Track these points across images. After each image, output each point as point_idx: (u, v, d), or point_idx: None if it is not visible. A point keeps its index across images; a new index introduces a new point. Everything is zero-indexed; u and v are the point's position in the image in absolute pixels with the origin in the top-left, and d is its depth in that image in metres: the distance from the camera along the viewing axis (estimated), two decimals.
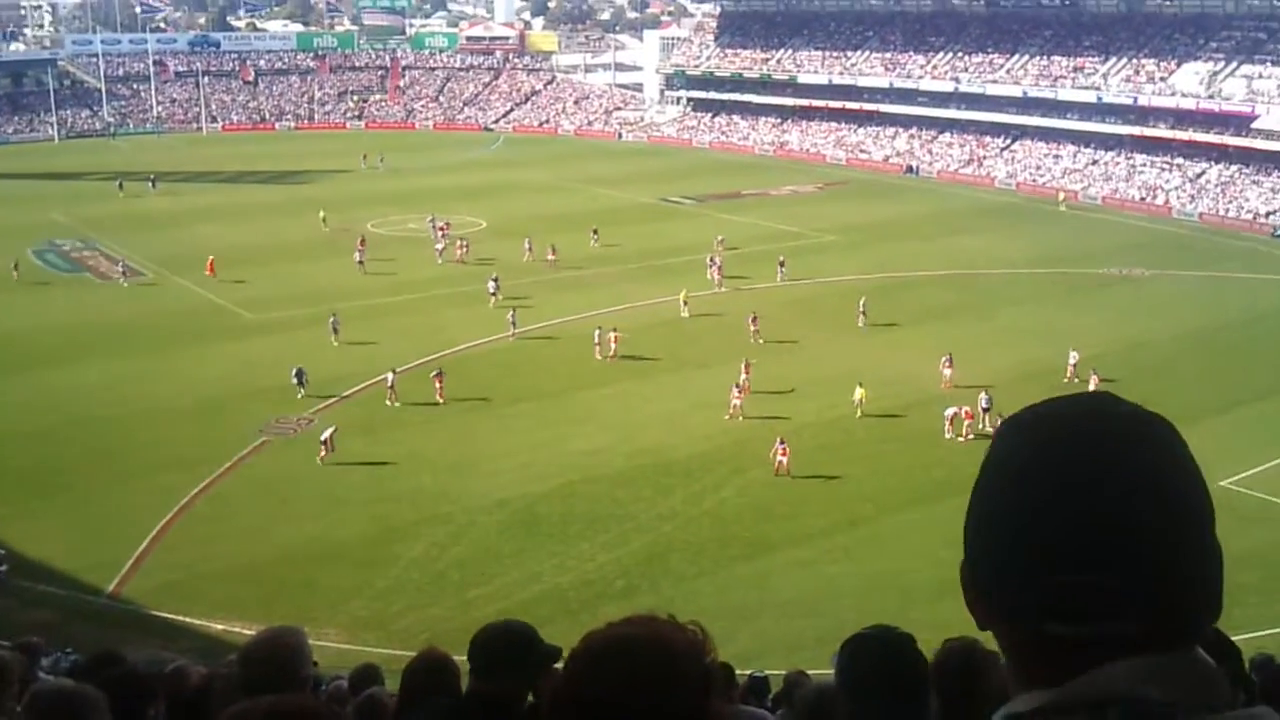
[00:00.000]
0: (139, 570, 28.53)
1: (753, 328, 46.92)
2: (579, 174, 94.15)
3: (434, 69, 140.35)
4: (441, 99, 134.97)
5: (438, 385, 39.63)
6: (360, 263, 59.06)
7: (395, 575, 28.35)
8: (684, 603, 26.76)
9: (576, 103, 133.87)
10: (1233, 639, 3.89)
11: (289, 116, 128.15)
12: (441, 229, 65.87)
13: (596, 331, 45.53)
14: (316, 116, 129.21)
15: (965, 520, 1.50)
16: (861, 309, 49.89)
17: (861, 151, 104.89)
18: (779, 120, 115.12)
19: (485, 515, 31.77)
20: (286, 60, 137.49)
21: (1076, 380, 41.49)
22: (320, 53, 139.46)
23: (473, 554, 29.48)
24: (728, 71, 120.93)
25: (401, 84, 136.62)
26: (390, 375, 39.91)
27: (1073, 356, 42.59)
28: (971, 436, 36.52)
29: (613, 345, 45.00)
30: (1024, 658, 1.44)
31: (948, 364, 41.83)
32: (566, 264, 60.18)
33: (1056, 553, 1.37)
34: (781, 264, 58.46)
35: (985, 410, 37.22)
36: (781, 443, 33.94)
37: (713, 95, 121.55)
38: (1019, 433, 1.46)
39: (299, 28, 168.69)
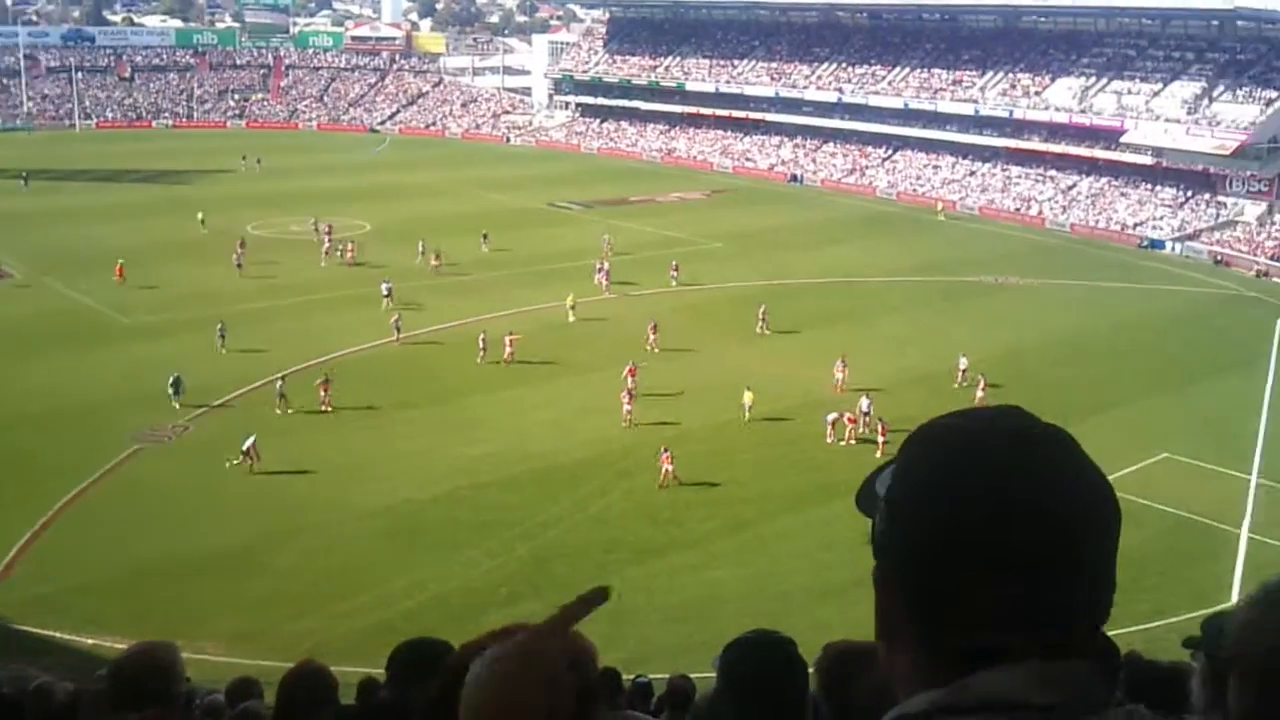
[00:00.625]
0: (3, 584, 27.44)
1: (651, 336, 46.85)
2: (467, 177, 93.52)
3: (318, 69, 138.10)
4: (326, 99, 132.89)
5: (323, 393, 38.92)
6: (239, 265, 57.79)
7: (274, 585, 27.74)
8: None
9: (464, 105, 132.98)
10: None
11: (166, 114, 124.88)
12: (325, 231, 64.84)
13: (481, 336, 45.29)
14: (196, 115, 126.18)
15: (880, 527, 1.51)
16: (762, 315, 50.53)
17: (748, 160, 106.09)
18: (667, 127, 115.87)
19: (368, 523, 31.29)
20: (164, 57, 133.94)
21: (965, 384, 42.64)
22: (200, 49, 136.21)
23: (355, 562, 29.00)
24: (616, 78, 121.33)
25: (285, 83, 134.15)
26: (280, 383, 39.14)
27: (962, 362, 43.87)
28: (853, 441, 37.18)
29: (508, 348, 44.88)
30: (926, 661, 1.45)
31: (842, 366, 42.78)
32: (456, 268, 59.78)
33: (976, 562, 1.38)
34: (675, 269, 59.05)
35: (865, 414, 37.91)
36: (665, 451, 34.07)
37: (601, 101, 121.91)
38: (937, 444, 1.48)
39: (178, 24, 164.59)
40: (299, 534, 30.36)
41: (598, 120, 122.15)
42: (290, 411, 38.49)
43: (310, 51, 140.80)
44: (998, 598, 1.38)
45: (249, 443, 33.98)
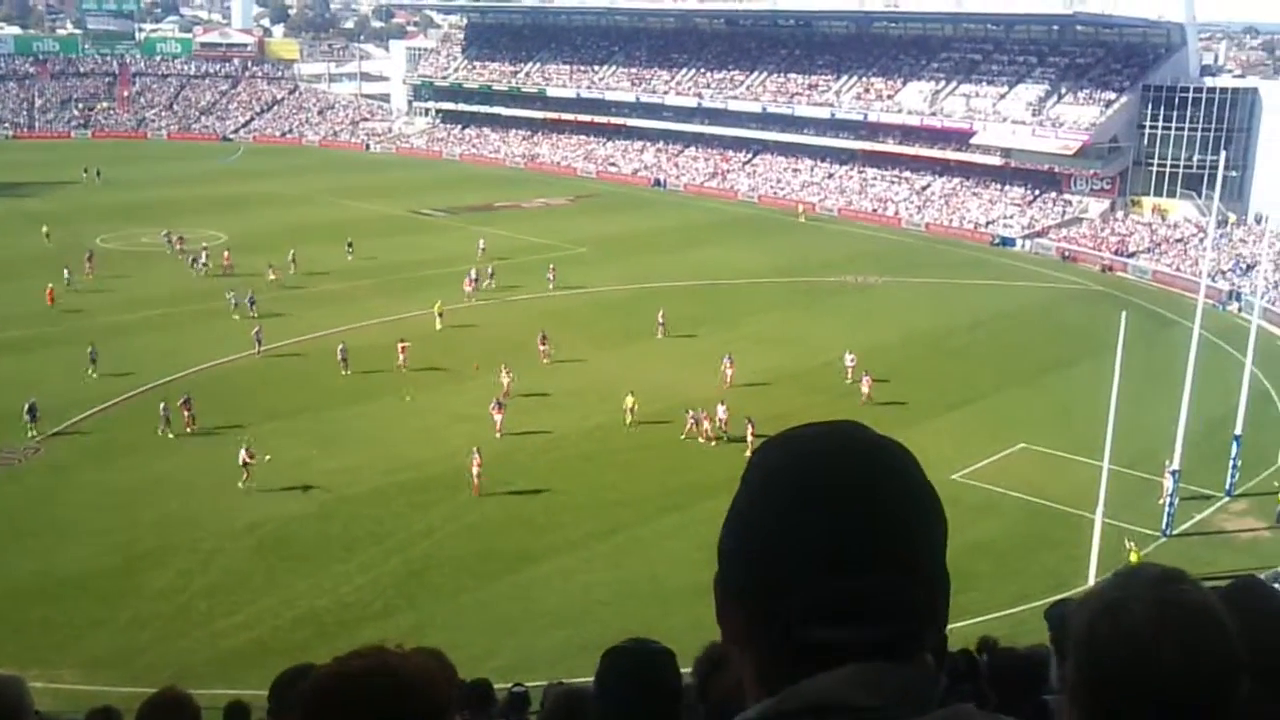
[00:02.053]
0: None
1: (541, 346, 46.58)
2: (327, 185, 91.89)
3: (167, 76, 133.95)
4: (176, 107, 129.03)
5: (186, 413, 37.70)
6: (89, 276, 55.89)
7: (138, 608, 26.81)
8: (444, 620, 26.49)
9: (321, 113, 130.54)
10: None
11: (6, 125, 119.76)
12: (178, 243, 63.02)
13: (340, 348, 44.62)
14: (37, 125, 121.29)
15: (722, 533, 1.53)
16: (660, 319, 51.03)
17: (611, 165, 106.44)
18: (529, 133, 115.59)
19: (236, 541, 30.49)
20: (3, 65, 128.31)
21: (853, 380, 43.89)
22: (41, 57, 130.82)
23: (223, 582, 28.21)
24: (476, 84, 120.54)
25: (132, 91, 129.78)
26: (164, 405, 37.78)
27: (848, 359, 45.10)
28: (713, 441, 37.54)
29: (401, 356, 44.43)
30: (765, 666, 1.48)
31: (729, 364, 43.91)
32: (324, 277, 58.89)
33: (813, 560, 1.42)
34: (552, 274, 59.43)
35: (722, 421, 38.36)
36: (475, 451, 33.74)
37: (462, 107, 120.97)
38: (780, 451, 1.52)
39: (16, 30, 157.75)
40: (168, 554, 29.43)
41: (459, 126, 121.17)
42: (171, 436, 37.14)
43: (158, 59, 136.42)
44: (823, 599, 1.41)
45: (243, 455, 33.24)
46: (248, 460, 33.26)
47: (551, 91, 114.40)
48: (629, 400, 39.41)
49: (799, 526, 1.44)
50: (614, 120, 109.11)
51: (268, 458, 33.60)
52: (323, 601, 27.40)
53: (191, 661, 23.72)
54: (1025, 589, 27.75)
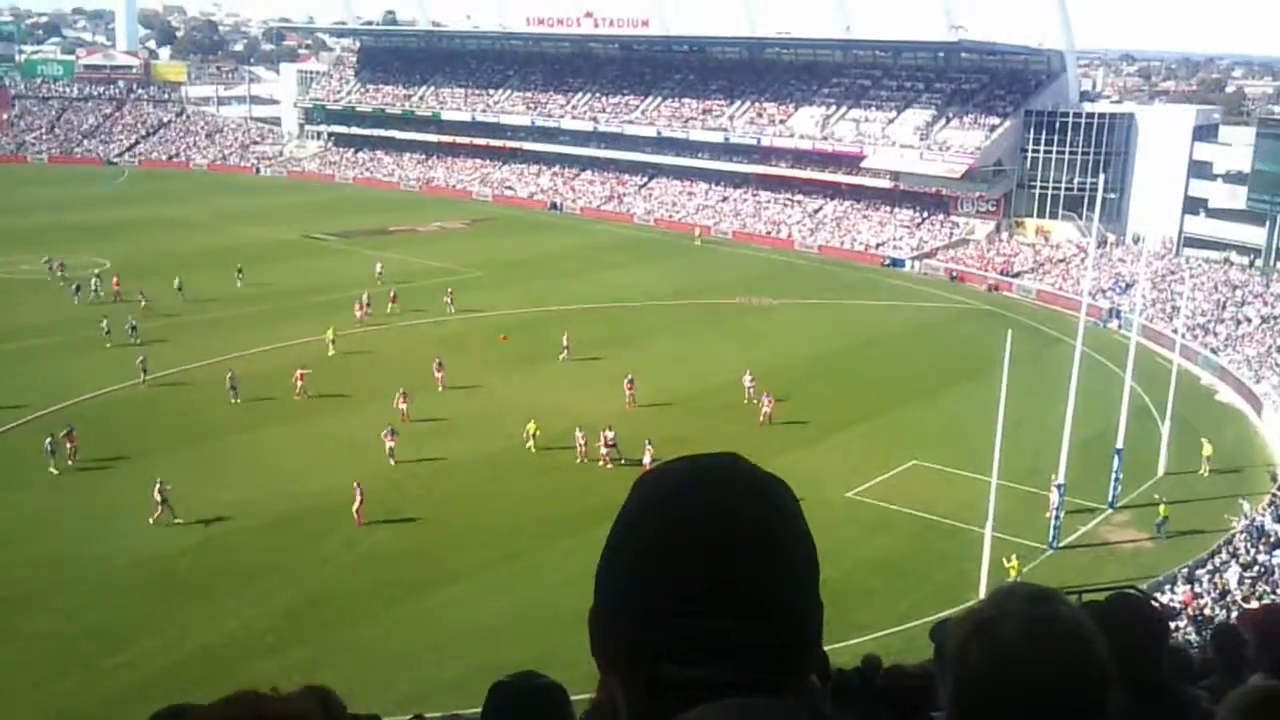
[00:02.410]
0: None
1: (438, 374, 46.06)
2: (217, 210, 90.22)
3: (48, 99, 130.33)
4: (58, 130, 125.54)
5: (69, 445, 36.50)
6: None
7: (19, 649, 25.81)
8: (340, 653, 26.02)
9: (209, 136, 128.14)
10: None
11: None
12: (58, 268, 61.25)
13: (229, 375, 43.75)
14: None
15: (598, 565, 1.56)
16: (564, 343, 50.98)
17: (507, 188, 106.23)
18: (424, 156, 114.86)
19: (122, 577, 29.55)
20: None
21: (752, 400, 44.29)
22: None
23: (108, 620, 27.29)
24: (370, 106, 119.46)
25: (11, 114, 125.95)
26: (49, 439, 36.40)
27: (748, 380, 45.64)
28: (609, 465, 37.56)
29: (299, 384, 43.77)
30: (636, 702, 1.49)
31: (630, 385, 44.39)
32: (212, 304, 57.82)
33: (672, 597, 1.42)
34: (450, 298, 59.06)
35: (611, 444, 38.41)
36: (357, 486, 33.36)
37: (355, 130, 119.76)
38: (651, 487, 1.53)
39: None
40: (49, 594, 28.38)
41: (352, 150, 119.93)
42: (55, 471, 35.87)
43: (39, 81, 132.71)
44: (683, 638, 1.42)
45: (155, 490, 32.32)
46: (160, 498, 32.36)
47: (446, 115, 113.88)
48: (531, 425, 39.28)
49: (660, 566, 1.44)
50: (510, 144, 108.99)
51: (169, 487, 32.74)
52: (213, 637, 26.68)
53: (75, 705, 22.96)
54: (918, 604, 28.20)
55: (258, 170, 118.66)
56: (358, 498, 32.89)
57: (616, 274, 71.26)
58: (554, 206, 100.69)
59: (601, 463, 37.60)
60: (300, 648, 26.27)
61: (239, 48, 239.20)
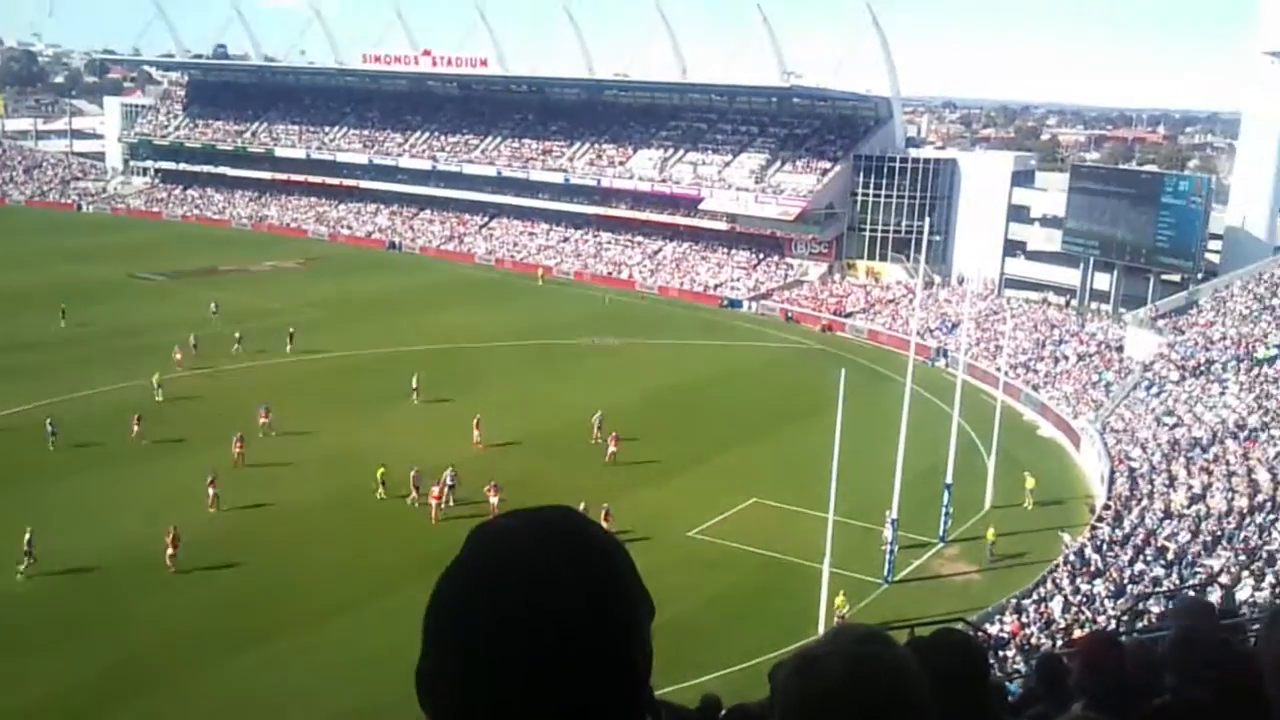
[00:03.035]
0: None
1: (264, 419, 44.74)
2: (35, 248, 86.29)
3: None
4: None
5: None
6: None
7: None
8: (170, 709, 24.92)
9: (27, 171, 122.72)
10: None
11: None
12: None
13: (48, 421, 41.79)
14: None
15: (423, 621, 1.53)
16: (415, 384, 50.40)
17: (344, 227, 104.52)
18: (257, 194, 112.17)
19: None
20: None
21: (599, 440, 44.60)
22: None
23: None
24: (199, 142, 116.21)
25: None
26: None
27: (595, 419, 45.81)
28: (444, 506, 37.01)
29: (135, 428, 42.26)
30: None
31: (478, 425, 44.44)
32: (31, 348, 55.21)
33: (481, 664, 1.42)
34: (290, 338, 58.24)
35: (450, 487, 38.04)
36: (171, 531, 32.32)
37: (184, 167, 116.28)
38: (475, 545, 1.52)
39: None
40: None
41: (181, 187, 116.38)
42: None
43: None
44: (493, 698, 1.42)
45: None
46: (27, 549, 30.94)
47: (280, 152, 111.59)
48: (380, 471, 38.42)
49: (471, 628, 1.44)
50: (346, 182, 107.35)
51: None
52: (28, 699, 25.22)
53: None
54: (759, 642, 28.45)
55: (79, 207, 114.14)
56: (170, 545, 31.76)
57: (461, 314, 70.67)
58: (393, 246, 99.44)
59: (436, 504, 36.93)
60: (130, 700, 25.12)
61: (60, 80, 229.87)
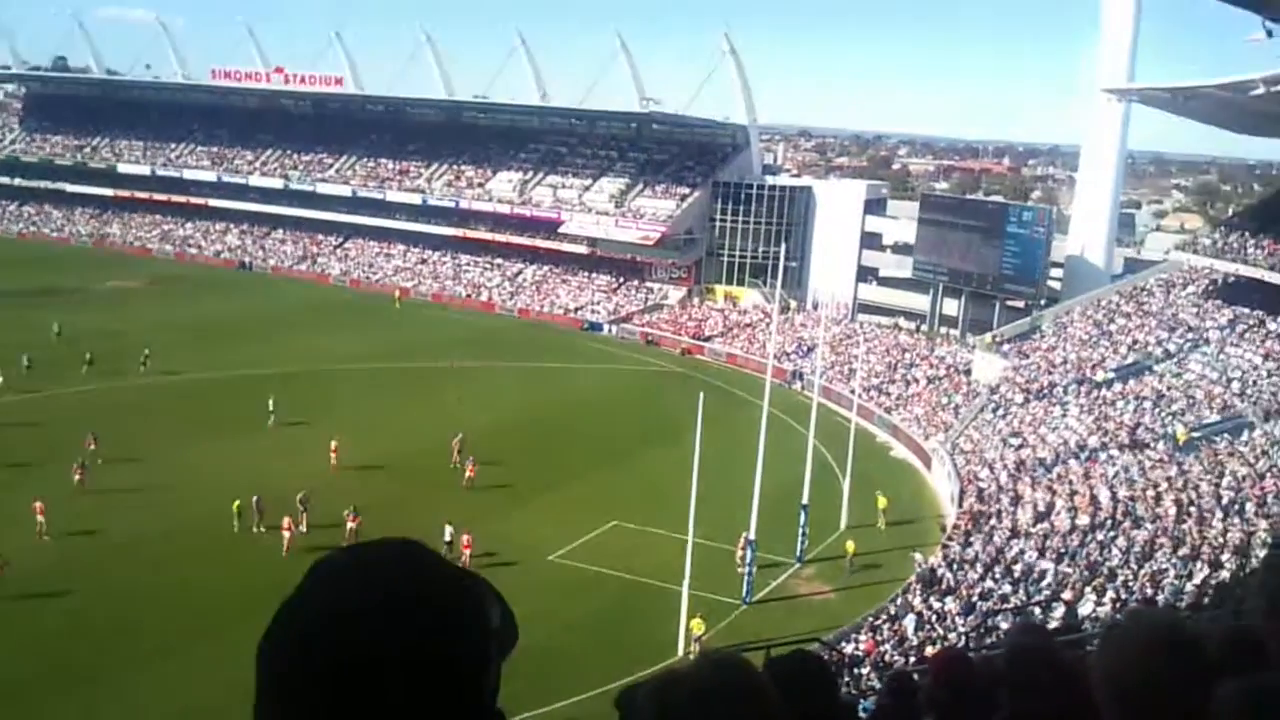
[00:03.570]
0: None
1: (92, 445, 42.77)
2: None
3: None
4: None
5: None
6: None
7: None
8: None
9: None
10: None
11: None
12: None
13: None
14: None
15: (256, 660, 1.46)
16: (271, 407, 49.01)
17: (191, 246, 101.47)
18: (99, 211, 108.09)
19: None
20: None
21: (459, 463, 44.08)
22: None
23: None
24: (36, 157, 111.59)
25: None
26: None
27: (454, 443, 45.26)
28: (291, 532, 35.84)
29: None
30: None
31: (334, 448, 43.78)
32: None
33: (315, 699, 1.38)
34: (145, 361, 56.85)
35: (303, 510, 37.10)
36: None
37: (19, 182, 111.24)
38: (313, 576, 1.47)
39: None
40: None
41: (15, 203, 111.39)
42: None
43: None
44: None
45: None
46: None
47: (124, 168, 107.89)
48: (235, 504, 36.98)
49: (303, 670, 1.39)
50: (194, 200, 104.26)
51: None
52: None
53: None
54: (620, 666, 28.19)
55: None
56: None
57: (317, 336, 69.06)
58: (244, 266, 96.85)
59: (289, 533, 35.77)
60: None
61: None
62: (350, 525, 35.55)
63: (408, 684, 1.38)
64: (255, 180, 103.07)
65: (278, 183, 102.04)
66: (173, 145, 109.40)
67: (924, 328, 74.78)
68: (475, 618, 1.46)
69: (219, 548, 35.34)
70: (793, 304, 77.61)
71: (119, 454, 42.80)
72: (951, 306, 74.88)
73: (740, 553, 35.82)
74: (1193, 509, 35.27)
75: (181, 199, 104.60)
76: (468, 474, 42.88)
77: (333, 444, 44.14)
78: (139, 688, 26.86)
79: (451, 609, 1.44)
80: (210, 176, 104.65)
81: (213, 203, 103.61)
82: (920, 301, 76.85)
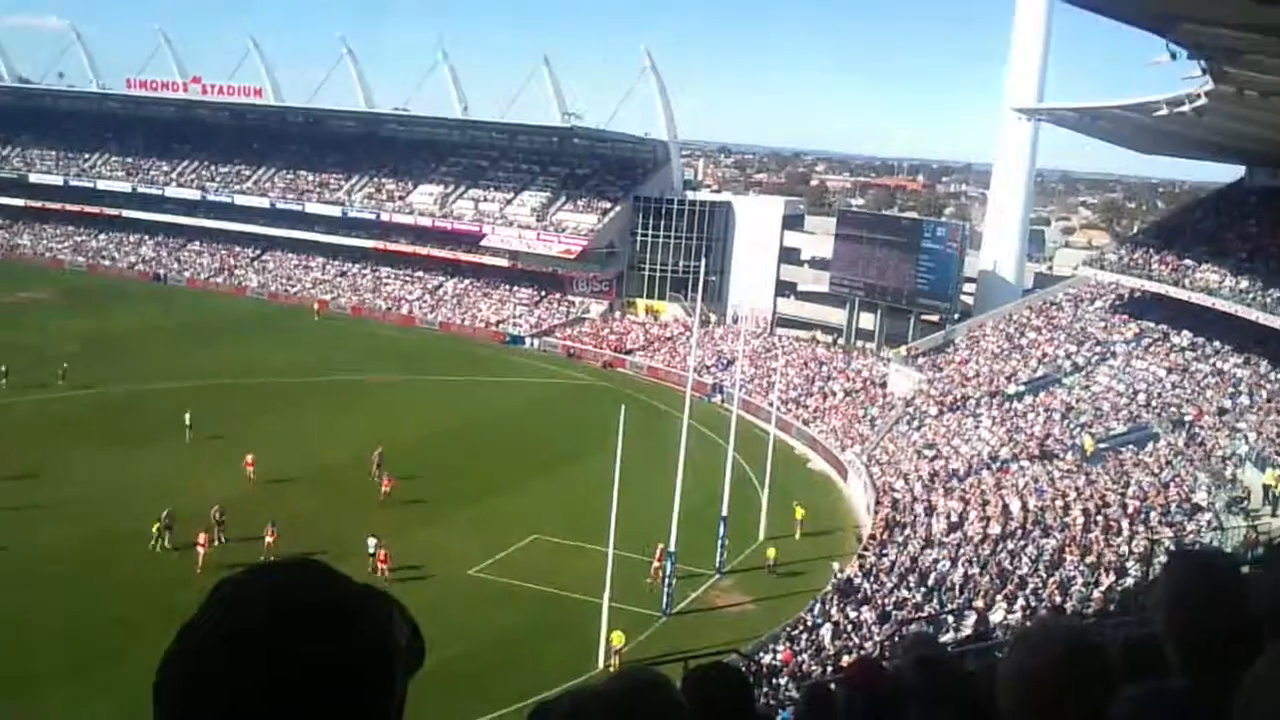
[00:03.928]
0: None
1: None
2: None
3: None
4: None
5: None
6: None
7: None
8: None
9: None
10: None
11: None
12: None
13: None
14: None
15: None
16: (188, 422, 48.55)
17: (105, 258, 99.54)
18: (8, 221, 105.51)
19: None
20: None
21: (377, 477, 43.91)
22: None
23: None
24: None
25: None
26: None
27: (373, 457, 45.14)
28: (205, 547, 35.39)
29: None
30: None
31: (250, 462, 43.36)
32: None
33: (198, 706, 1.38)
34: (62, 375, 56.19)
35: (219, 523, 36.82)
36: None
37: None
38: (213, 599, 1.46)
39: None
40: None
41: None
42: None
43: None
44: None
45: None
46: None
47: (35, 178, 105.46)
48: (155, 525, 36.35)
49: (198, 696, 1.38)
50: (108, 210, 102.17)
51: None
52: None
53: None
54: (540, 679, 28.32)
55: None
56: None
57: (234, 349, 68.19)
58: (159, 278, 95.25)
59: (204, 549, 35.31)
60: None
61: None
62: (269, 539, 35.39)
63: (307, 706, 1.38)
64: (171, 191, 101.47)
65: (194, 194, 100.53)
66: (86, 155, 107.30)
67: (841, 341, 75.89)
68: (377, 635, 1.48)
69: (130, 565, 34.78)
70: (713, 317, 78.31)
71: (26, 469, 41.96)
72: (868, 320, 76.06)
73: (655, 564, 36.17)
74: (1100, 518, 36.35)
75: (95, 210, 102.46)
76: (384, 488, 42.74)
77: (248, 458, 43.76)
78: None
79: (352, 627, 1.45)
80: (125, 187, 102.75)
81: (127, 214, 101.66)
82: (837, 315, 77.98)
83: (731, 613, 36.41)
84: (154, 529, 36.27)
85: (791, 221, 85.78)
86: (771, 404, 55.35)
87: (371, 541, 35.50)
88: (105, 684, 25.90)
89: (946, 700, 3.71)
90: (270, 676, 1.37)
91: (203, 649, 1.40)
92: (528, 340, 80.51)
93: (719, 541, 38.85)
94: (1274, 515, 33.74)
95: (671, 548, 35.14)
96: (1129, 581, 30.10)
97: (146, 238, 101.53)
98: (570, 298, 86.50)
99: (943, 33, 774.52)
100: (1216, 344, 49.95)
